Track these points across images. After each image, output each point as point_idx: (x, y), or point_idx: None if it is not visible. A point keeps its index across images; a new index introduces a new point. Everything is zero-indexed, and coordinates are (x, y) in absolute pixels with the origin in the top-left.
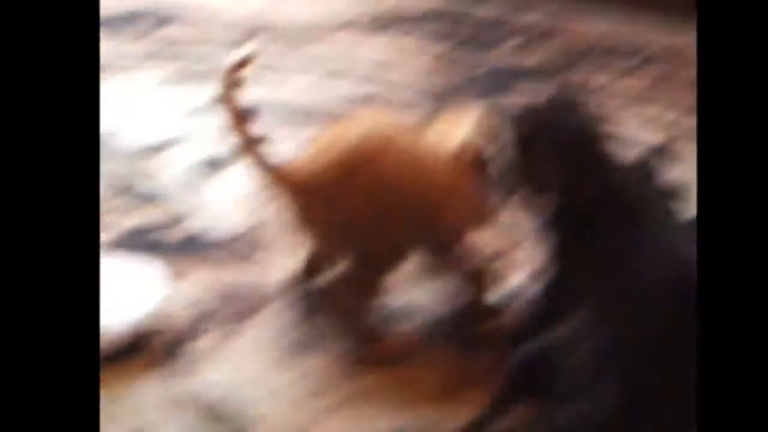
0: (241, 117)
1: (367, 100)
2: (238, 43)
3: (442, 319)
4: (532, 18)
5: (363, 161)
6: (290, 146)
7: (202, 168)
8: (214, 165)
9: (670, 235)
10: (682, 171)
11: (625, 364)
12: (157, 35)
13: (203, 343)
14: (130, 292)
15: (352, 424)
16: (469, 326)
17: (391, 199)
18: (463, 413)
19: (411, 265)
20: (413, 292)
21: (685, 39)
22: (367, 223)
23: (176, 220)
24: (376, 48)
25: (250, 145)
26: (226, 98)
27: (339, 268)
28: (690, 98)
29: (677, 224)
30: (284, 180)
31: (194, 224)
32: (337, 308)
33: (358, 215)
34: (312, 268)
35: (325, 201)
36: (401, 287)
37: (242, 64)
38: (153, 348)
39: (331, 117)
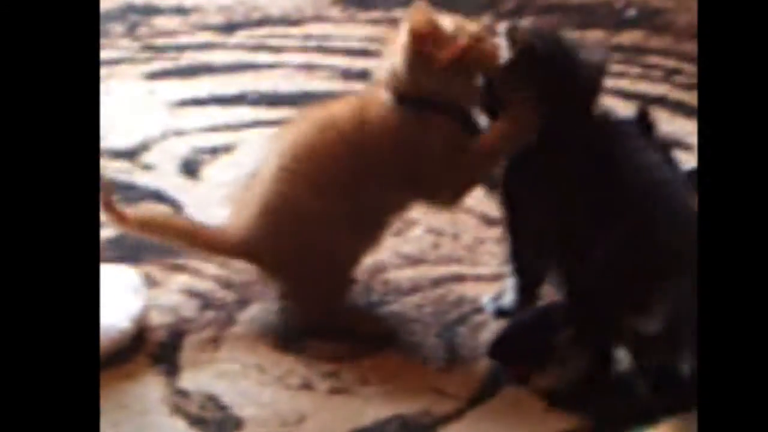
0: (152, 223)
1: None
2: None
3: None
4: None
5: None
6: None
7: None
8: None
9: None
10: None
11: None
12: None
13: (198, 336)
14: (125, 288)
15: (352, 411)
16: None
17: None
18: (460, 392)
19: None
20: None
21: None
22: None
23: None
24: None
25: (178, 238)
26: (125, 224)
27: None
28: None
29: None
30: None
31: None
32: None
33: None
34: None
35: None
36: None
37: (108, 192)
38: (151, 344)
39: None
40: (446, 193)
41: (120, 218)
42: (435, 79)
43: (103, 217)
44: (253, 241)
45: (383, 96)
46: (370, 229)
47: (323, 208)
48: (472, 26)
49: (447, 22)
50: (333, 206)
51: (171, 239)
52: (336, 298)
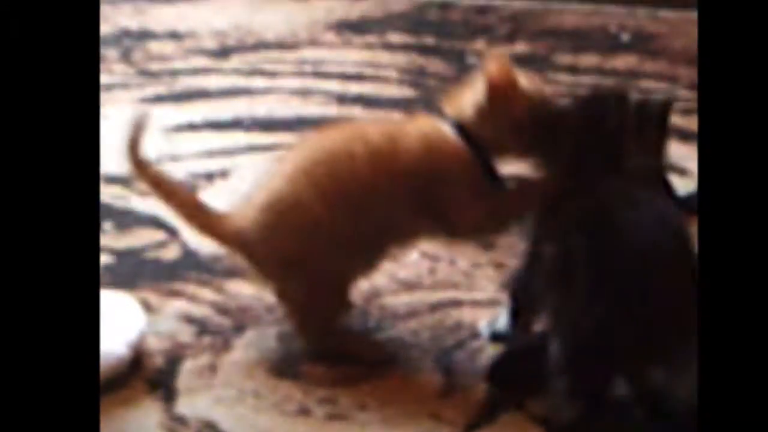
0: (163, 182)
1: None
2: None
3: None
4: (518, 4)
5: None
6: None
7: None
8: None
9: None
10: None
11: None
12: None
13: (195, 362)
14: (122, 314)
15: None
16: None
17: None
18: (457, 418)
19: None
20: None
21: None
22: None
23: (164, 242)
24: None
25: (180, 207)
26: (140, 171)
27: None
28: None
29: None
30: (221, 233)
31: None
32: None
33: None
34: None
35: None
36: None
37: (138, 130)
38: (148, 369)
39: (323, 120)
40: (465, 226)
41: (139, 165)
42: (502, 129)
43: (124, 156)
44: (250, 234)
45: (433, 123)
46: (369, 252)
47: (329, 218)
48: (545, 86)
49: (523, 79)
50: (339, 219)
51: (173, 206)
52: (326, 316)
